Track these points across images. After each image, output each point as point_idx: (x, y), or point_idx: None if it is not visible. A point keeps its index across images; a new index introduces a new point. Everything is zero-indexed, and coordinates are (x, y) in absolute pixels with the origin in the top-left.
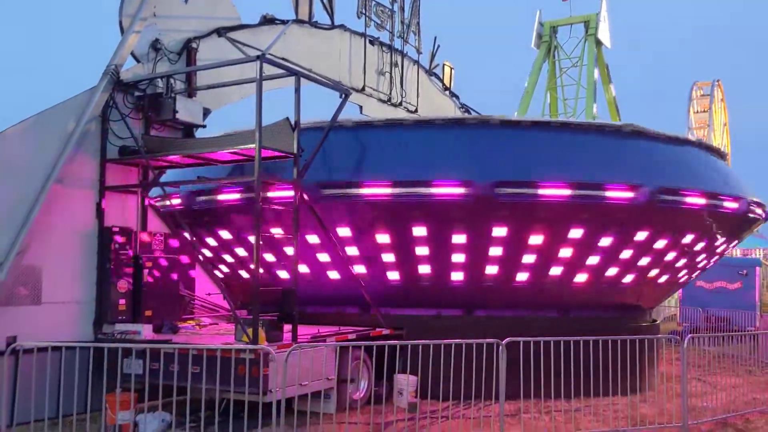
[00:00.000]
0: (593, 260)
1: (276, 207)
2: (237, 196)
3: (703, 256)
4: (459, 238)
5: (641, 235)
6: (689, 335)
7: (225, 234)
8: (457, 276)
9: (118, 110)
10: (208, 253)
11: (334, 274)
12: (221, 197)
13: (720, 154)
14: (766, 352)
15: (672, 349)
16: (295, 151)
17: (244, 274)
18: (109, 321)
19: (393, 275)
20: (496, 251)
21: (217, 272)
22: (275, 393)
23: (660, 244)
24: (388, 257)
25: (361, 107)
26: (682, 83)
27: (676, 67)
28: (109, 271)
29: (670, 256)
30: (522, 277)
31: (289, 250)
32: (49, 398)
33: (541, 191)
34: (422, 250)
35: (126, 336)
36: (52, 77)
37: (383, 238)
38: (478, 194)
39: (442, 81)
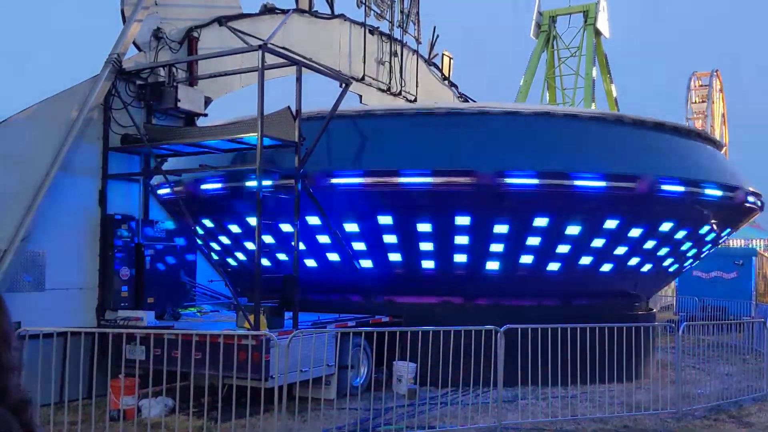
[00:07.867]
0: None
1: (282, 196)
2: (222, 184)
3: (690, 244)
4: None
5: (611, 223)
6: (684, 323)
7: (220, 221)
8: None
9: (121, 99)
10: (209, 240)
11: (334, 261)
12: (214, 185)
13: (715, 144)
14: (761, 341)
15: (668, 337)
16: (297, 139)
17: (232, 262)
18: (111, 307)
19: (394, 261)
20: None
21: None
22: (276, 379)
23: (642, 231)
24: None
25: (360, 96)
26: (682, 73)
27: (676, 56)
28: (111, 259)
29: (650, 244)
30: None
31: (268, 238)
32: (54, 383)
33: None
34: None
35: (129, 322)
36: (52, 66)
37: (357, 225)
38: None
39: (441, 70)
